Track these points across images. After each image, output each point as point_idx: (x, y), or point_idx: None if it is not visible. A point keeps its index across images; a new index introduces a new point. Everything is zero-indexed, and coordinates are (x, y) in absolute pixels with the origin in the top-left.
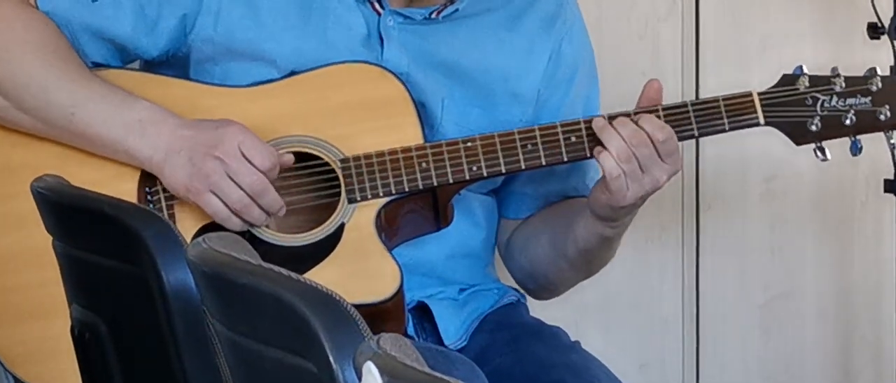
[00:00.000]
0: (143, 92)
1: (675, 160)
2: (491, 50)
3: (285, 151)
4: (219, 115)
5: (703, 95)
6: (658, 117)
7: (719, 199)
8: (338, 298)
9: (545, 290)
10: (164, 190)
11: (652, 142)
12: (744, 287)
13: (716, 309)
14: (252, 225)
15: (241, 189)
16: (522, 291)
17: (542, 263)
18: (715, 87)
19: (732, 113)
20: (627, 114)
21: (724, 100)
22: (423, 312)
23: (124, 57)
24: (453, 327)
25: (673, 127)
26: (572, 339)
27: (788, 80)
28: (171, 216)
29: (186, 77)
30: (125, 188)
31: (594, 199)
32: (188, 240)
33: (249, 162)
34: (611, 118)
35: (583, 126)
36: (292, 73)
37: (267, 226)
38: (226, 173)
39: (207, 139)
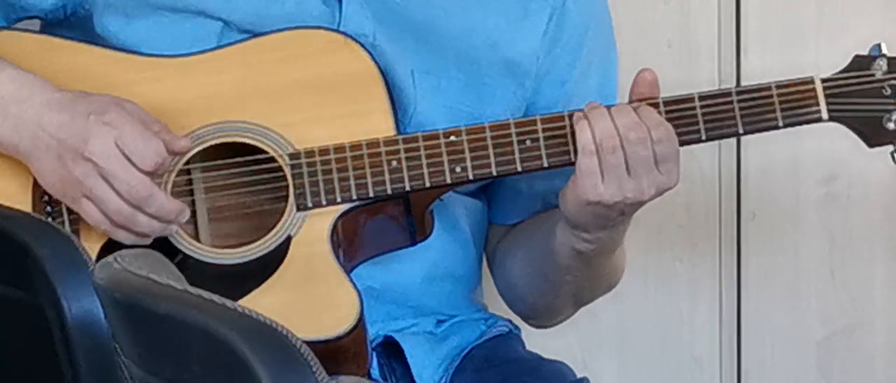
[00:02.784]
0: (35, 61)
1: (669, 170)
2: (475, 7)
3: (213, 137)
4: (135, 94)
5: (746, 79)
6: (659, 112)
7: (765, 207)
8: (285, 333)
9: (532, 318)
10: None
11: (651, 141)
12: (797, 318)
13: (761, 347)
14: (144, 236)
15: (120, 196)
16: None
17: (520, 284)
18: (760, 69)
19: (788, 105)
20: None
21: (777, 87)
22: (391, 349)
23: (10, 12)
24: (429, 367)
25: (678, 128)
26: (578, 376)
27: (861, 64)
28: (75, 228)
29: (94, 41)
30: (12, 189)
31: (562, 192)
32: (95, 258)
33: (128, 160)
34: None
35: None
36: (228, 36)
37: (192, 237)
38: (100, 176)
39: (78, 131)
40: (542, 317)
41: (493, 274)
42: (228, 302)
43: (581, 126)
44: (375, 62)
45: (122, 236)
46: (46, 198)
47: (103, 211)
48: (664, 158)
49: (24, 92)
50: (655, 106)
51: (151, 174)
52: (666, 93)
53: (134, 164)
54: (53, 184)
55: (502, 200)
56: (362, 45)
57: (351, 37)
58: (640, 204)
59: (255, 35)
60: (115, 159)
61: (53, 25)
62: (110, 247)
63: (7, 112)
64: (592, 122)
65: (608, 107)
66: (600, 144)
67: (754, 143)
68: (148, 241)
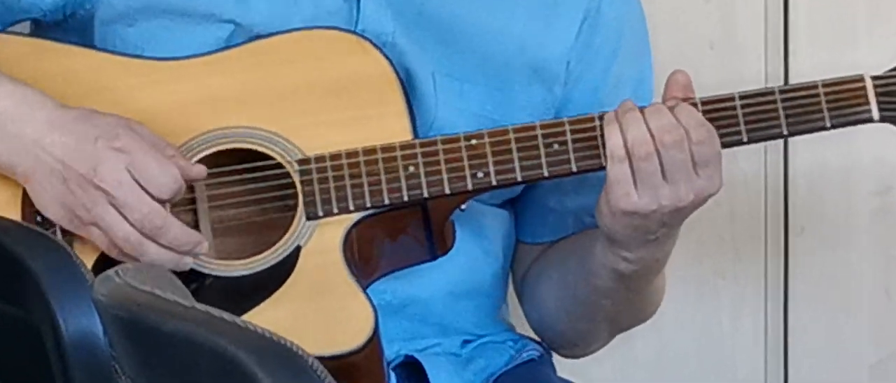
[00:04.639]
0: (28, 66)
1: (710, 174)
2: (503, 8)
3: (218, 143)
4: (135, 99)
5: (795, 79)
6: (697, 110)
7: (815, 219)
8: (298, 352)
9: (563, 347)
10: None
11: (689, 142)
12: (848, 340)
13: (810, 371)
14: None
15: (132, 225)
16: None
17: (552, 310)
18: (809, 70)
19: (837, 104)
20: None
21: (824, 86)
22: (412, 370)
23: (6, 14)
24: None
25: (717, 129)
26: None
27: None
28: (69, 239)
29: (91, 45)
30: (3, 199)
31: (597, 204)
32: (93, 272)
33: (142, 188)
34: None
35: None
36: (238, 39)
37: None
38: (111, 205)
39: (86, 156)
40: (576, 347)
41: (522, 300)
42: (239, 321)
43: (611, 130)
44: (391, 63)
45: (133, 261)
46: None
47: (112, 238)
48: (705, 162)
49: (23, 109)
50: (693, 106)
51: (165, 203)
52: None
53: (148, 192)
54: (55, 209)
55: (530, 216)
56: (376, 46)
57: (365, 37)
58: (681, 212)
59: (263, 36)
60: (127, 187)
61: (49, 28)
62: (106, 259)
63: (4, 131)
64: (624, 126)
65: (642, 108)
66: (632, 150)
67: (803, 149)
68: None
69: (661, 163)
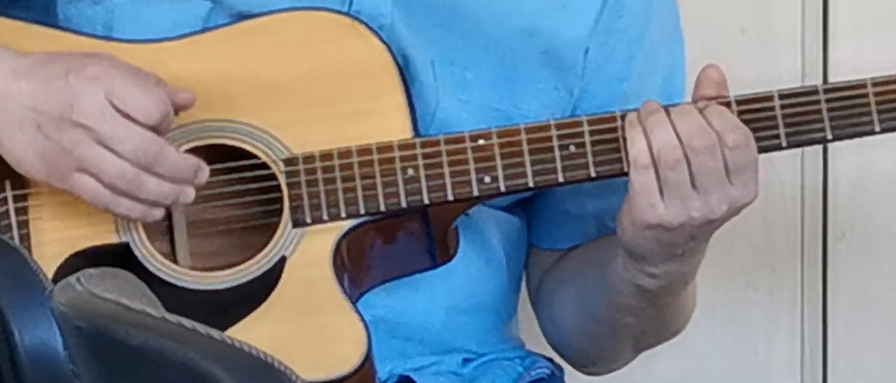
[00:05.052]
0: None
1: (746, 182)
2: None
3: (194, 139)
4: None
5: (834, 73)
6: (732, 111)
7: (856, 225)
8: (276, 365)
9: (582, 364)
10: (14, 188)
11: (722, 148)
12: (892, 358)
13: None
14: (154, 205)
15: (124, 159)
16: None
17: (570, 327)
18: (851, 61)
19: (888, 105)
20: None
21: (874, 85)
22: None
23: None
24: None
25: (754, 132)
26: None
27: None
28: (25, 236)
29: (54, 24)
30: None
31: (618, 215)
32: (52, 277)
33: (128, 117)
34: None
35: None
36: (218, 19)
37: (167, 257)
38: (94, 141)
39: (58, 94)
40: (596, 364)
41: (538, 313)
42: (214, 332)
43: (634, 134)
44: (389, 49)
45: (125, 207)
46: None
47: (103, 180)
48: (740, 169)
49: None
50: (726, 106)
51: (156, 129)
52: (738, 89)
53: (135, 120)
54: (33, 164)
55: (547, 221)
56: (372, 30)
57: (359, 20)
58: (712, 224)
59: (246, 17)
60: (111, 118)
61: (8, 4)
62: (70, 266)
63: None
64: (648, 130)
65: (668, 109)
66: (659, 157)
67: (844, 149)
68: (158, 215)
69: (690, 172)
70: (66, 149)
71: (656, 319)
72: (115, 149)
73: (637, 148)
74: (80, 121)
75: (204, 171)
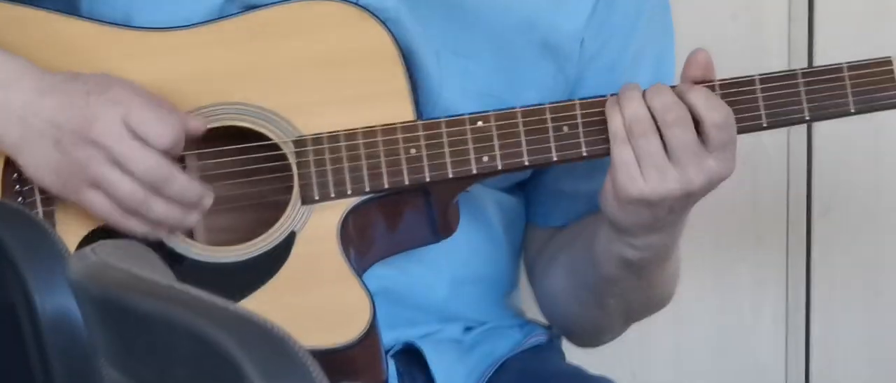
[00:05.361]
0: (9, 35)
1: (725, 158)
2: None
3: (208, 120)
4: (124, 71)
5: (820, 56)
6: (714, 92)
7: (840, 199)
8: (281, 335)
9: (575, 335)
10: None
11: (697, 122)
12: (874, 327)
13: (833, 359)
14: (158, 225)
15: (135, 180)
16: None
17: (562, 299)
18: (835, 45)
19: (862, 88)
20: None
21: (850, 69)
22: (412, 357)
23: None
24: (456, 378)
25: (737, 113)
26: None
27: None
28: (49, 214)
29: (75, 13)
30: None
31: (602, 192)
32: (74, 249)
33: (141, 139)
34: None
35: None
36: (232, 8)
37: (188, 234)
38: (108, 161)
39: (79, 112)
40: (588, 336)
41: (534, 286)
42: (218, 300)
43: (612, 111)
44: (394, 38)
45: (132, 225)
46: (18, 182)
47: (113, 198)
48: (722, 145)
49: (10, 76)
50: (711, 88)
51: (167, 154)
52: (730, 72)
53: (148, 143)
54: (49, 176)
55: (544, 201)
56: (378, 18)
57: (366, 9)
58: (691, 197)
59: (257, 7)
60: (126, 140)
61: None
62: (90, 236)
63: None
64: (623, 106)
65: (645, 90)
66: (630, 129)
67: (828, 126)
68: (162, 234)
69: (664, 143)
70: (81, 165)
71: (641, 290)
72: (127, 169)
73: (615, 123)
74: (96, 140)
75: (209, 197)
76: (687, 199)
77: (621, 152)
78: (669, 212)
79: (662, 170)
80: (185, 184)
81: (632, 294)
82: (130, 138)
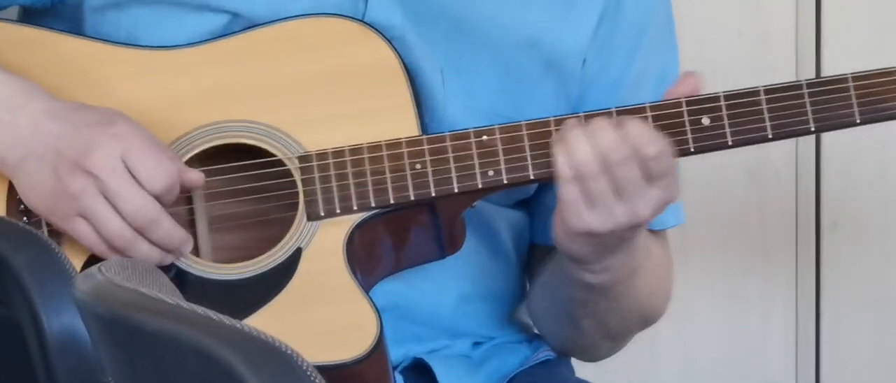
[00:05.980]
0: (15, 55)
1: (667, 185)
2: (515, 0)
3: (214, 138)
4: (128, 90)
5: (828, 72)
6: (645, 118)
7: (849, 215)
8: (290, 353)
9: (564, 353)
10: None
11: (638, 158)
12: (883, 343)
13: (843, 375)
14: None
15: (123, 218)
16: None
17: (540, 317)
18: (843, 61)
19: (867, 99)
20: (608, 114)
21: (855, 80)
22: (420, 373)
23: None
24: None
25: (743, 124)
26: None
27: None
28: (55, 233)
29: (80, 32)
30: None
31: (552, 227)
32: (80, 269)
33: (135, 179)
34: (588, 117)
35: (649, 113)
36: (236, 28)
37: (194, 252)
38: (100, 193)
39: (81, 141)
40: (575, 354)
41: (525, 303)
42: (226, 319)
43: (558, 150)
44: (397, 53)
45: (114, 258)
46: (22, 202)
47: (100, 232)
48: (662, 174)
49: (19, 98)
50: (715, 99)
51: (159, 198)
52: (736, 88)
53: (141, 184)
54: (41, 200)
55: (544, 218)
56: (381, 35)
57: (370, 26)
58: (639, 226)
59: (261, 24)
60: (120, 175)
61: (38, 14)
62: (98, 259)
63: None
64: (569, 146)
65: (588, 124)
66: (578, 171)
67: (836, 138)
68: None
69: (612, 182)
70: (74, 195)
71: (612, 310)
72: (116, 205)
73: (560, 162)
74: (91, 170)
75: (188, 245)
76: (635, 228)
77: (567, 191)
78: (620, 240)
79: (610, 206)
80: (169, 229)
81: (604, 315)
82: (125, 174)
